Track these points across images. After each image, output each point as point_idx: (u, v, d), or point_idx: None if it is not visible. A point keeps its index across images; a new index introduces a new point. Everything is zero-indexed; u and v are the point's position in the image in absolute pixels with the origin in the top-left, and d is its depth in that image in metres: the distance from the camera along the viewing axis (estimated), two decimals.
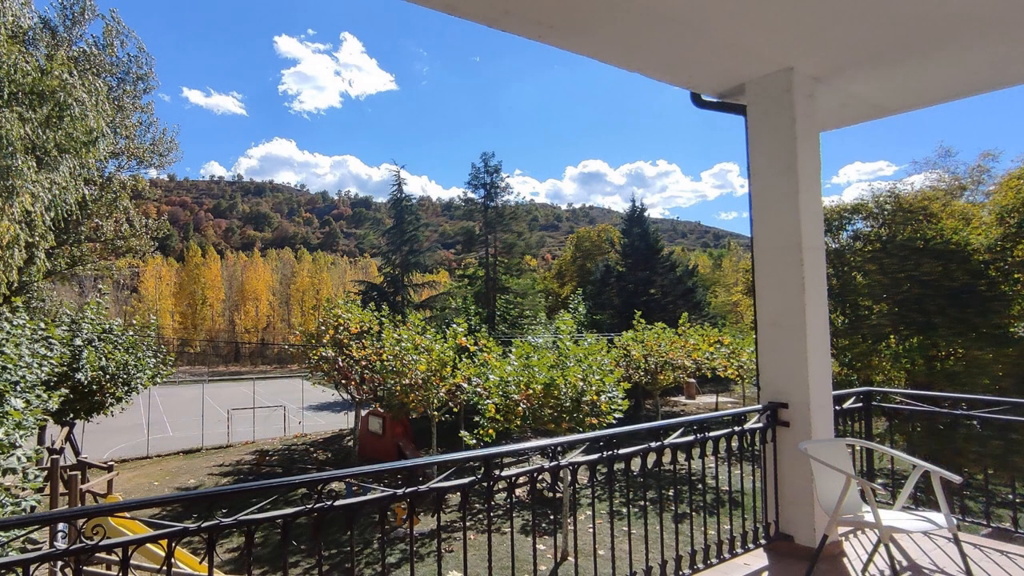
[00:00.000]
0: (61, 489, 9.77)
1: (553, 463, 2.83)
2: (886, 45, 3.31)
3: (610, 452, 3.01)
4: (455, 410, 17.11)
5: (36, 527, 3.13)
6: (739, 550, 3.60)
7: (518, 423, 12.46)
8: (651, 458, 3.27)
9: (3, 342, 6.26)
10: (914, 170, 42.83)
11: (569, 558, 10.77)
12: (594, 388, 12.01)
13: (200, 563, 7.52)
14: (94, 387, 12.17)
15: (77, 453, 13.77)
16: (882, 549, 3.32)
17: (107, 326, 13.06)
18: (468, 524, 12.65)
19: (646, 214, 41.56)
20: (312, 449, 21.87)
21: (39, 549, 3.89)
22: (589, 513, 13.04)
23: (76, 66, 15.97)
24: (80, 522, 1.96)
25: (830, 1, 2.83)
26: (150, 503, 2.13)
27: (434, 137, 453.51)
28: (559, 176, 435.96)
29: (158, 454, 21.22)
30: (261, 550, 11.47)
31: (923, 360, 16.54)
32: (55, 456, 10.30)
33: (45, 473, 8.99)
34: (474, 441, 12.02)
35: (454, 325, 16.10)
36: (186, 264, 77.92)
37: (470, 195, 35.36)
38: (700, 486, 12.41)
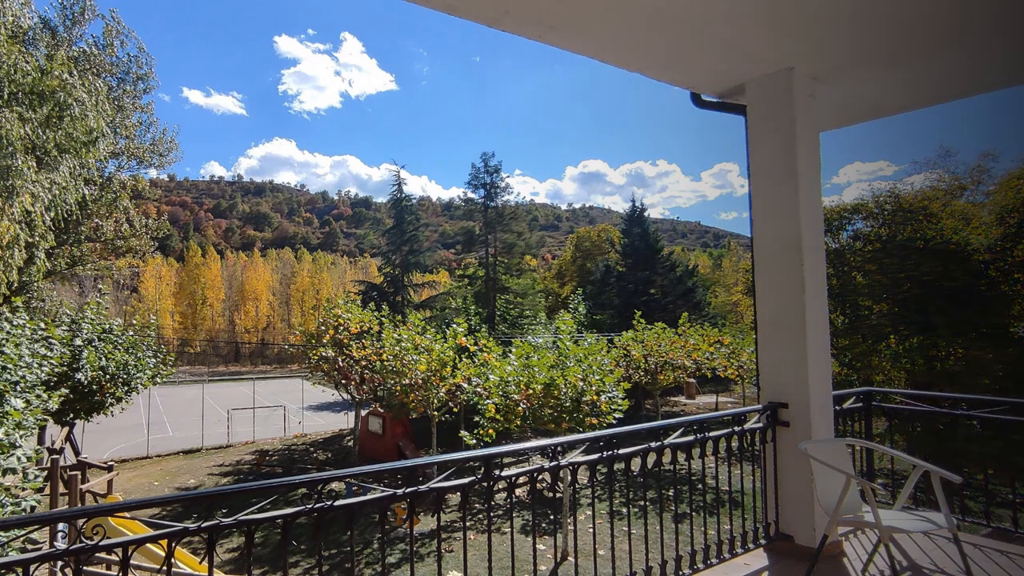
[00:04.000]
0: (61, 489, 9.77)
1: (553, 463, 2.83)
2: (886, 45, 3.31)
3: (610, 452, 3.01)
4: (455, 410, 17.10)
5: (36, 527, 3.13)
6: (739, 550, 3.60)
7: (518, 423, 12.45)
8: (651, 458, 3.28)
9: (3, 342, 6.26)
10: (914, 170, 42.95)
11: (569, 558, 10.76)
12: (594, 388, 12.00)
13: (200, 563, 7.51)
14: (94, 387, 12.17)
15: (77, 453, 13.77)
16: (882, 549, 3.32)
17: (107, 326, 13.07)
18: (468, 524, 12.64)
19: (646, 214, 41.60)
20: (312, 449, 21.87)
21: (39, 549, 3.89)
22: (589, 513, 13.04)
23: (76, 66, 15.96)
24: (80, 522, 1.96)
25: (830, 1, 2.83)
26: (150, 503, 2.12)
27: (434, 137, 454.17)
28: (559, 176, 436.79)
29: (158, 454, 21.21)
30: (261, 550, 11.47)
31: (923, 360, 16.52)
32: (55, 456, 10.30)
33: (45, 473, 9.00)
34: (474, 441, 12.01)
35: (454, 325, 16.08)
36: (186, 264, 77.90)
37: (470, 195, 35.38)
38: (700, 486, 12.41)
